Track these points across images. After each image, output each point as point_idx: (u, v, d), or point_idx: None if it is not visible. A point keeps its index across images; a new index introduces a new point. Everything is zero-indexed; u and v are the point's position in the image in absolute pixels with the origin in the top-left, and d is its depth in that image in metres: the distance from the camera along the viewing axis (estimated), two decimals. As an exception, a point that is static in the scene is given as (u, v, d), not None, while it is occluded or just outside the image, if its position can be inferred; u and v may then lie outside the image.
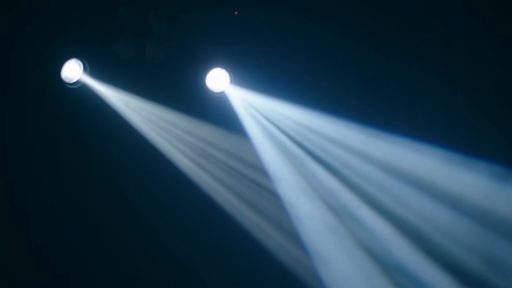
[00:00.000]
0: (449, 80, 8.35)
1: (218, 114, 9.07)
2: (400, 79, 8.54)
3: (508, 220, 8.00)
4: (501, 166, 7.99)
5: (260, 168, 9.01)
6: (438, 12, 8.37)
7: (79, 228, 9.30)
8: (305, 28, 8.78)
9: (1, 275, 9.27)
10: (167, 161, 9.14)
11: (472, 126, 8.22)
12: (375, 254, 8.50)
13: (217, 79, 9.04)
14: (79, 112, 9.17)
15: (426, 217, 8.32)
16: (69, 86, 9.06)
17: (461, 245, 8.15)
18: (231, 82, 9.02)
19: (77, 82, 9.07)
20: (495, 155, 8.04)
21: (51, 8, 8.96)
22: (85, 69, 9.05)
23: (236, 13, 9.02)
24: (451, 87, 8.33)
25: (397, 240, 8.41)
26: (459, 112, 8.31)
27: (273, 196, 8.94)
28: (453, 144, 8.19)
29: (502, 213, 8.00)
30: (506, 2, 8.11)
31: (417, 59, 8.45)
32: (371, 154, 8.58)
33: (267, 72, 8.88)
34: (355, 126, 8.63)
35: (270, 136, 9.01)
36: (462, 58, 8.29)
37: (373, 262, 8.50)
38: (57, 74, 9.07)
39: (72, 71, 9.08)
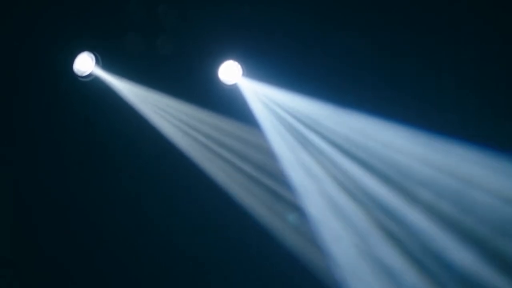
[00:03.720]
0: (459, 75, 8.44)
1: (231, 106, 9.10)
2: (412, 74, 8.61)
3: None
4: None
5: (272, 160, 9.06)
6: (447, 11, 8.46)
7: (90, 224, 9.30)
8: (318, 21, 8.82)
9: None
10: (180, 153, 9.15)
11: (484, 120, 8.30)
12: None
13: (230, 72, 9.06)
14: (91, 104, 9.15)
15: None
16: (81, 79, 9.04)
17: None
18: (243, 74, 9.05)
19: (90, 75, 9.05)
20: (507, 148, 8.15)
21: (63, 1, 8.91)
22: (97, 62, 9.04)
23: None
24: (462, 82, 8.42)
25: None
26: (470, 106, 8.40)
27: (286, 187, 9.00)
28: (465, 137, 8.29)
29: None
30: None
31: (427, 56, 8.53)
32: (385, 145, 8.65)
33: (279, 64, 8.90)
34: (367, 119, 8.69)
35: (282, 128, 9.05)
36: (472, 54, 8.37)
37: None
38: (69, 67, 9.04)
39: (85, 64, 9.06)
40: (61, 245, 9.21)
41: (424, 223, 8.46)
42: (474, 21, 8.31)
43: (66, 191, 9.30)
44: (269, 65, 8.94)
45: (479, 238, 8.24)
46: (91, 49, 9.07)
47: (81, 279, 9.20)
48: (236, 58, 9.04)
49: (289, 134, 9.04)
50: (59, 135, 9.34)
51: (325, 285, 8.72)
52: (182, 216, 9.20)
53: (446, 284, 8.32)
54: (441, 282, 8.35)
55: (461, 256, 8.28)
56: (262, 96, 9.08)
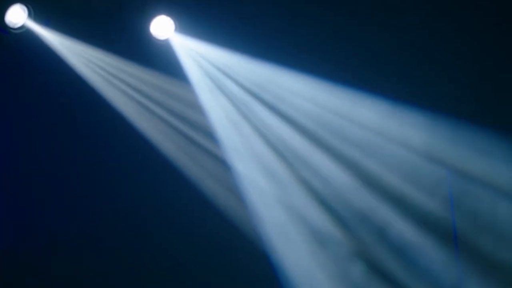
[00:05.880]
0: (402, 39, 8.64)
1: (163, 61, 9.17)
2: (352, 35, 8.77)
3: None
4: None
5: (201, 115, 9.17)
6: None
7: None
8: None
9: None
10: (111, 106, 9.20)
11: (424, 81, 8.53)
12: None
13: (162, 27, 9.12)
14: (23, 57, 9.15)
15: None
16: (13, 31, 9.02)
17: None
18: (175, 30, 9.12)
19: (22, 27, 9.03)
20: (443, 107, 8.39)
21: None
22: (29, 15, 9.02)
23: None
24: (404, 45, 8.63)
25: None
26: (412, 68, 8.61)
27: (213, 141, 9.12)
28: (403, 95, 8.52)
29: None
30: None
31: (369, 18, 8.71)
32: (315, 103, 8.82)
33: (212, 20, 9.00)
34: (297, 75, 8.84)
35: (212, 84, 9.15)
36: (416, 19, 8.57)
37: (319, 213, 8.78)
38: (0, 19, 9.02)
39: (17, 16, 9.03)
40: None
41: (341, 173, 8.69)
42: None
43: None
44: (202, 21, 9.02)
45: (389, 188, 8.52)
46: (23, 1, 9.02)
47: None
48: (168, 13, 9.09)
49: (219, 89, 9.14)
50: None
51: (247, 238, 8.89)
52: (111, 167, 9.27)
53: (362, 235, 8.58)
54: (357, 233, 8.60)
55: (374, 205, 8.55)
56: (194, 52, 9.16)
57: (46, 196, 9.32)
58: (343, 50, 8.77)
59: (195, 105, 9.14)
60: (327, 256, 8.64)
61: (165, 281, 9.03)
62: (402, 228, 8.39)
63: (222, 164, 9.03)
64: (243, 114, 9.05)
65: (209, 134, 9.10)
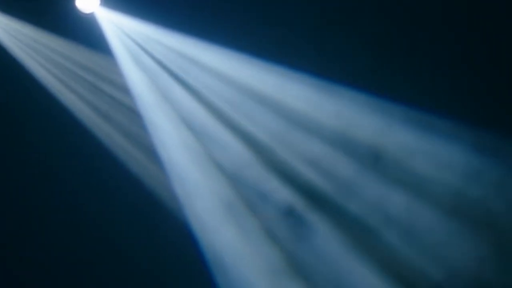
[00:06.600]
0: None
1: (87, 35, 9.17)
2: (272, 10, 9.03)
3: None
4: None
5: (125, 89, 9.24)
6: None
7: None
8: None
9: None
10: (33, 79, 9.13)
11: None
12: (229, 172, 9.06)
13: (87, 0, 9.10)
14: None
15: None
16: None
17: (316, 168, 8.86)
18: (101, 3, 9.14)
19: None
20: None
21: None
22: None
23: None
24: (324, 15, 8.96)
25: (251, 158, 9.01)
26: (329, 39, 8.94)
27: (135, 115, 9.23)
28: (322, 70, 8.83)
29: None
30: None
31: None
32: (234, 78, 9.07)
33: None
34: (221, 51, 9.05)
35: (136, 58, 9.24)
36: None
37: (227, 180, 9.04)
38: None
39: None
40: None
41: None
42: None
43: None
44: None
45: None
46: None
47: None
48: (94, -14, 9.12)
49: (143, 64, 9.24)
50: None
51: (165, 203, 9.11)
52: (33, 141, 9.21)
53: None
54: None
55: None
56: (118, 26, 9.21)
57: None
58: (264, 25, 9.03)
59: (117, 77, 9.21)
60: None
61: (70, 245, 9.14)
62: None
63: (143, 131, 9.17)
64: (166, 86, 9.20)
65: (132, 108, 9.22)
